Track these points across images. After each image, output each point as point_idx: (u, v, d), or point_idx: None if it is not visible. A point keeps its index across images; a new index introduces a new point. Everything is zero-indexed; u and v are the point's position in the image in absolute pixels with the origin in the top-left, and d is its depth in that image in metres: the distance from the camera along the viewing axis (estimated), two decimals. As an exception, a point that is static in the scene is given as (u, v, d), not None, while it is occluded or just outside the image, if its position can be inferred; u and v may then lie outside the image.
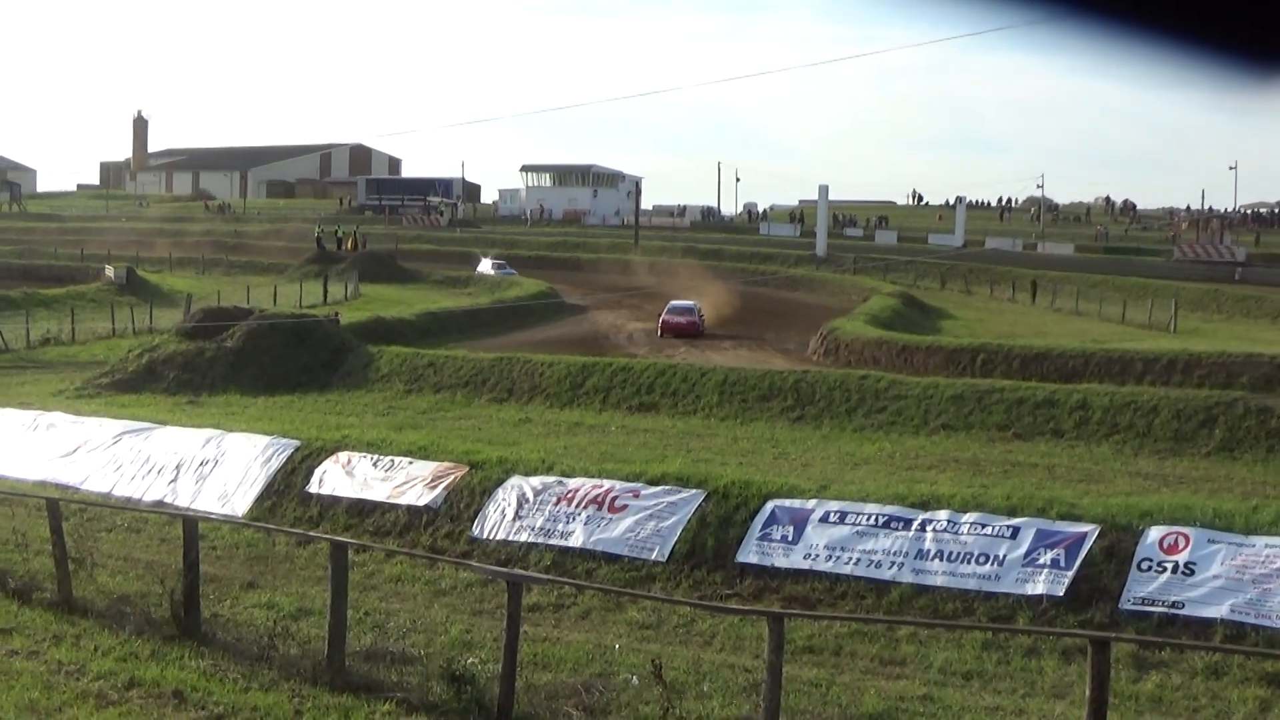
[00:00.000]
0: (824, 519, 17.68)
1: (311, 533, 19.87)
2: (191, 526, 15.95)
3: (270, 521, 21.57)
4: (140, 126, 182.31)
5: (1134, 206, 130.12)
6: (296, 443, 24.04)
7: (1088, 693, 10.51)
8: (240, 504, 22.90)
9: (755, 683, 12.40)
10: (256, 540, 20.56)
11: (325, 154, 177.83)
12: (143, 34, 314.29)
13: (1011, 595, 15.83)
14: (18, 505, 22.13)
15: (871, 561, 16.92)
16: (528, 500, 19.96)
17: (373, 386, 40.48)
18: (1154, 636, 14.35)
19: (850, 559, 17.06)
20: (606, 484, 19.78)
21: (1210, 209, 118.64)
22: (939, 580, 16.36)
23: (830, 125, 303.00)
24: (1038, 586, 15.75)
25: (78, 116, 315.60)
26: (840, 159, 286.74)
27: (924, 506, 17.48)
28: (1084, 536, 16.02)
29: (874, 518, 17.41)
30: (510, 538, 19.59)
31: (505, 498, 20.24)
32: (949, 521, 16.93)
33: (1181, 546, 15.41)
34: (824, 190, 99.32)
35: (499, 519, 19.96)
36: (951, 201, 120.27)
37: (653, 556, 18.27)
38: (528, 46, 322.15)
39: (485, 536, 19.84)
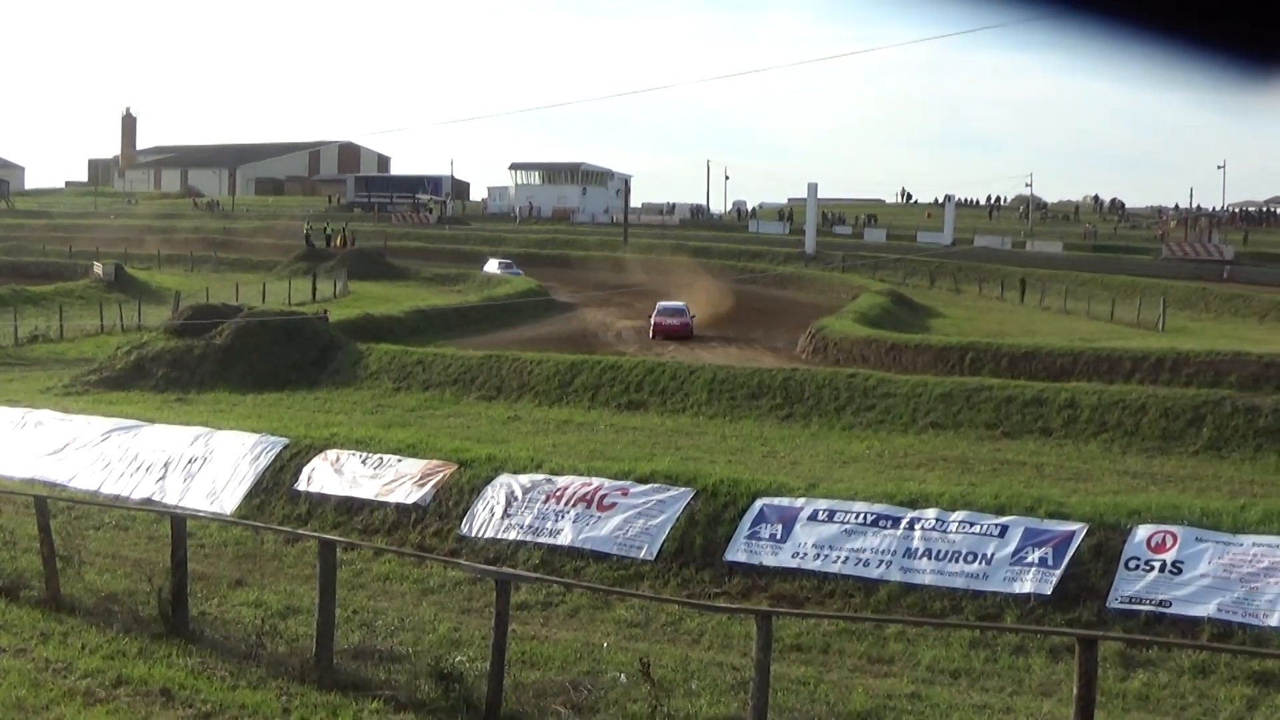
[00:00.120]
0: (812, 517, 17.69)
1: (300, 530, 19.85)
2: (179, 524, 15.93)
3: (259, 519, 21.55)
4: (129, 124, 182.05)
5: (1122, 205, 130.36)
6: (285, 440, 24.01)
7: (1075, 691, 10.53)
8: (229, 502, 22.86)
9: (743, 681, 12.41)
10: (245, 538, 20.55)
11: (314, 151, 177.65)
12: (131, 31, 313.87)
13: (999, 594, 15.86)
14: (5, 503, 22.11)
15: (860, 560, 16.94)
16: (516, 498, 19.95)
17: (361, 384, 40.45)
18: (1141, 635, 14.38)
19: (838, 557, 17.07)
20: (595, 482, 19.78)
21: (1199, 207, 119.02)
22: (927, 579, 16.39)
23: (819, 123, 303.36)
24: (1025, 585, 15.78)
25: (66, 113, 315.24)
26: (829, 157, 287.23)
27: (912, 505, 17.50)
28: (1072, 535, 16.05)
29: (862, 516, 17.43)
30: (499, 536, 19.57)
31: (494, 496, 20.23)
32: (937, 520, 16.95)
33: (1169, 545, 15.45)
34: (813, 188, 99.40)
35: (488, 517, 19.95)
36: (940, 200, 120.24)
37: (641, 555, 18.28)
38: (518, 43, 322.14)
39: (474, 535, 19.83)
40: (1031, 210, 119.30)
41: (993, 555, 16.23)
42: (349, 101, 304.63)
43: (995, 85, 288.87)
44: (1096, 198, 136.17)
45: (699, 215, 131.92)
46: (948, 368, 40.08)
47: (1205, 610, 14.63)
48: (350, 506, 21.68)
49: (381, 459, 22.37)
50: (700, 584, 17.54)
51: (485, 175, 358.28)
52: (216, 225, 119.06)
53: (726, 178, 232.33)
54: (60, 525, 19.02)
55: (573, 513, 19.25)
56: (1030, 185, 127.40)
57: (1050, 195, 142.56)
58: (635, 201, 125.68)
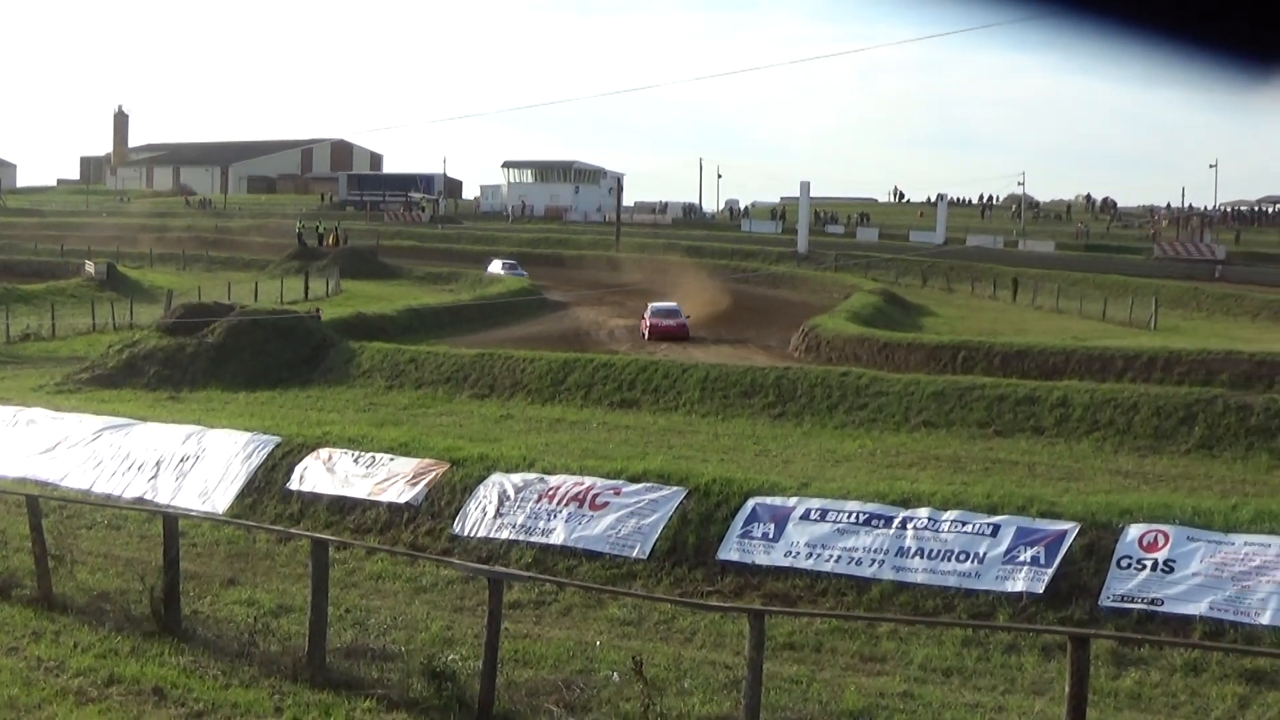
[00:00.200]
0: (805, 516, 17.70)
1: (292, 530, 19.83)
2: (172, 523, 15.92)
3: (251, 518, 21.53)
4: (121, 121, 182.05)
5: (1115, 204, 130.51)
6: (277, 439, 23.99)
7: (1067, 689, 10.54)
8: (221, 501, 22.84)
9: (736, 679, 12.42)
10: (237, 537, 20.54)
11: (307, 149, 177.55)
12: (123, 28, 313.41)
13: (992, 592, 15.87)
14: (-3, 502, 22.06)
15: (852, 559, 16.95)
16: (509, 497, 19.95)
17: (354, 383, 40.43)
18: (1133, 633, 14.40)
19: (831, 556, 17.08)
20: (588, 481, 19.78)
21: (1190, 207, 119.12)
22: (919, 577, 16.40)
23: (812, 122, 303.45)
24: (1018, 584, 15.80)
25: (58, 111, 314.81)
26: (822, 156, 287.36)
27: (905, 504, 17.51)
28: (1064, 534, 16.07)
29: (855, 515, 17.44)
30: (491, 535, 19.57)
31: (486, 495, 20.23)
32: (929, 519, 16.97)
33: (1161, 544, 15.47)
34: (805, 187, 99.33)
35: (480, 516, 19.94)
36: (933, 199, 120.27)
37: (634, 554, 18.28)
38: (511, 41, 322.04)
39: (466, 534, 19.82)
40: (1024, 209, 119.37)
41: (985, 554, 16.24)
42: (342, 99, 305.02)
43: (988, 85, 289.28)
44: (1089, 197, 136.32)
45: (692, 214, 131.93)
46: (940, 367, 40.09)
47: (1197, 609, 14.66)
48: (343, 505, 21.66)
49: (374, 458, 22.36)
50: (693, 583, 17.54)
51: (478, 174, 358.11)
52: (209, 224, 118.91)
53: (719, 176, 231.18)
54: (52, 524, 18.99)
55: (565, 512, 19.25)
56: (1023, 184, 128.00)
57: (1042, 194, 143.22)
58: (628, 200, 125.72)
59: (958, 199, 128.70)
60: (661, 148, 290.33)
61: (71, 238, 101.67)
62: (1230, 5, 4.60)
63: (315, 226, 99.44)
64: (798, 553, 17.31)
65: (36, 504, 17.53)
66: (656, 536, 18.35)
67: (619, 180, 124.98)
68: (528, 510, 19.57)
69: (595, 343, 52.13)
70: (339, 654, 13.92)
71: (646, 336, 52.39)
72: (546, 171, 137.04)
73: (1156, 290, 67.09)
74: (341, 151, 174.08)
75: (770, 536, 17.66)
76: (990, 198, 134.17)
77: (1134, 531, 15.77)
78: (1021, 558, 16.01)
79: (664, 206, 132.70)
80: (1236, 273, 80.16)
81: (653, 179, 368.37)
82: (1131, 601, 15.08)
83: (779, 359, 45.00)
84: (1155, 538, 15.56)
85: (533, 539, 19.15)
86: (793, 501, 18.07)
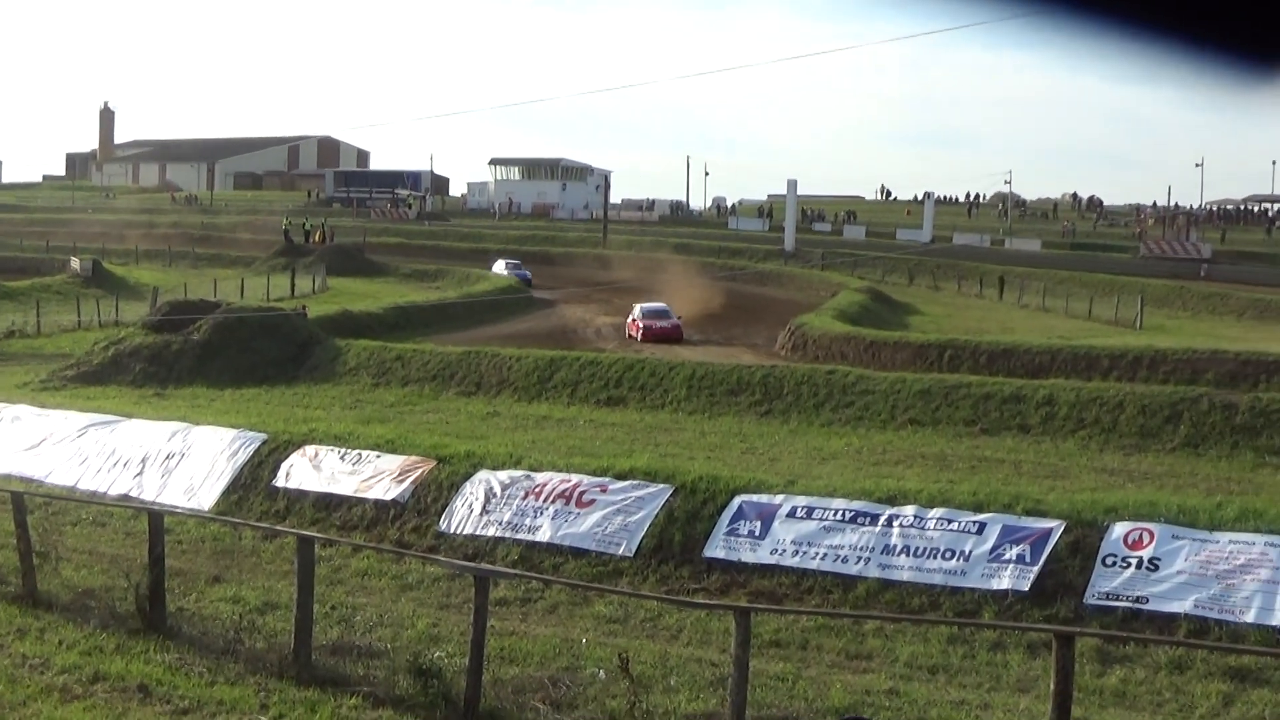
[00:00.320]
0: (791, 514, 17.71)
1: (278, 527, 19.82)
2: (157, 520, 15.88)
3: (237, 515, 21.48)
4: (106, 117, 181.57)
5: (1101, 203, 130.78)
6: (263, 436, 23.95)
7: (1052, 687, 10.56)
8: (206, 498, 22.80)
9: (722, 677, 12.43)
10: (223, 534, 20.50)
11: (293, 146, 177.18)
12: (109, 24, 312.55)
13: (977, 590, 15.90)
14: (-19, 498, 21.98)
15: (838, 556, 16.97)
16: (495, 494, 19.94)
17: (340, 380, 40.40)
18: (1118, 631, 14.42)
19: (817, 554, 17.10)
20: (574, 478, 19.78)
21: (1176, 206, 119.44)
22: (905, 575, 16.42)
23: (799, 120, 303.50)
24: (1003, 581, 15.82)
25: (44, 107, 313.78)
26: (809, 154, 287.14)
27: (891, 502, 17.53)
28: (1049, 532, 16.10)
29: (841, 513, 17.45)
30: (478, 532, 19.56)
31: (473, 492, 20.22)
32: (915, 517, 16.98)
33: (1146, 542, 15.50)
34: (792, 185, 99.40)
35: (466, 513, 19.93)
36: (919, 197, 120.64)
37: (620, 551, 18.28)
38: (498, 38, 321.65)
39: (452, 531, 19.81)
40: (1010, 208, 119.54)
41: (971, 552, 16.27)
42: (329, 96, 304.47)
43: (975, 83, 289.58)
44: (1075, 195, 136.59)
45: (679, 212, 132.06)
46: (926, 365, 40.15)
47: (1182, 607, 14.69)
48: (328, 503, 21.64)
49: (360, 455, 22.33)
50: (679, 580, 17.55)
51: (465, 171, 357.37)
52: (195, 220, 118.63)
53: (706, 174, 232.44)
54: (37, 521, 18.92)
55: (551, 509, 19.24)
56: (1009, 183, 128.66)
57: (1029, 193, 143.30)
58: (615, 198, 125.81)
59: (944, 197, 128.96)
60: (649, 145, 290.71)
61: (57, 234, 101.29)
62: (1226, 4, 4.60)
63: (302, 223, 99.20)
64: (784, 550, 17.32)
65: (21, 501, 17.48)
66: (643, 534, 18.35)
67: (606, 178, 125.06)
68: (514, 507, 19.56)
69: (582, 340, 52.16)
70: (324, 651, 13.90)
71: (639, 338, 51.20)
72: (534, 169, 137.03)
73: (1142, 289, 67.27)
74: (328, 148, 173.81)
75: (756, 534, 17.67)
76: (977, 196, 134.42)
77: (1119, 529, 15.80)
78: (1007, 555, 16.04)
79: (651, 204, 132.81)
80: (1222, 271, 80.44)
81: (640, 176, 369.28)
82: (1116, 599, 15.11)
83: (766, 357, 45.08)
84: (1140, 536, 15.60)
85: (519, 536, 19.14)
86: (779, 499, 18.08)
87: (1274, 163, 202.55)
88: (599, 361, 38.73)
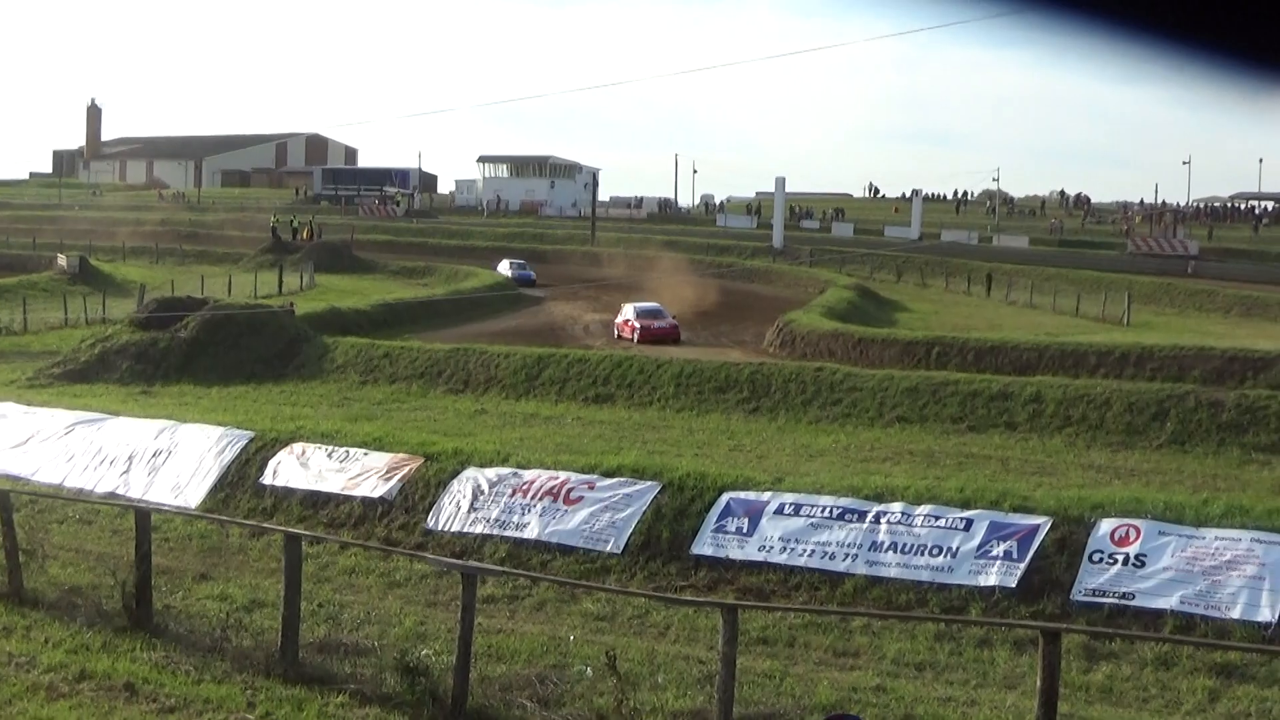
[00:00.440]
0: (779, 511, 17.72)
1: (265, 524, 19.81)
2: (144, 518, 15.87)
3: (224, 513, 21.46)
4: (93, 114, 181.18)
5: (1088, 200, 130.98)
6: (251, 434, 23.92)
7: (1038, 683, 10.59)
8: (193, 495, 22.77)
9: (709, 674, 12.43)
10: (210, 532, 20.47)
11: (281, 143, 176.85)
12: (96, 20, 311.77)
13: (964, 587, 15.92)
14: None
15: (826, 553, 16.97)
16: (483, 492, 19.93)
17: (328, 377, 40.34)
18: (1105, 628, 14.44)
19: (805, 551, 17.11)
20: (562, 476, 19.77)
21: (1164, 203, 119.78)
22: (893, 572, 16.44)
23: (788, 118, 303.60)
24: (990, 578, 15.85)
25: (30, 104, 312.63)
26: (798, 151, 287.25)
27: (878, 498, 17.54)
28: (1036, 529, 16.12)
29: (828, 510, 17.46)
30: (465, 529, 19.55)
31: (460, 489, 20.20)
32: (903, 513, 17.00)
33: (1132, 539, 15.54)
34: (780, 182, 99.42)
35: (454, 511, 19.92)
36: (908, 194, 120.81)
37: (608, 548, 18.28)
38: (486, 35, 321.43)
39: (440, 528, 19.79)
40: (998, 205, 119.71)
41: (958, 548, 16.29)
42: (317, 93, 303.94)
43: (963, 81, 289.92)
44: (1063, 193, 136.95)
45: (667, 209, 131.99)
46: (914, 362, 40.18)
47: (1168, 603, 14.72)
48: (316, 500, 21.61)
49: (347, 452, 22.31)
50: (667, 577, 17.55)
51: (453, 168, 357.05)
52: (183, 218, 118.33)
53: (694, 171, 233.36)
54: (23, 519, 18.93)
55: (539, 506, 19.24)
56: (997, 180, 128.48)
57: (1017, 190, 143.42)
58: (603, 195, 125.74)
59: (933, 194, 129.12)
60: (637, 142, 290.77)
61: (44, 231, 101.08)
62: (1213, 5, 4.60)
63: (289, 221, 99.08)
64: (771, 547, 17.33)
65: (8, 499, 17.44)
66: (631, 531, 18.35)
67: (594, 175, 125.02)
68: (502, 505, 19.56)
69: (570, 338, 52.15)
70: (312, 649, 13.90)
71: (634, 340, 49.55)
72: (522, 166, 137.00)
73: (1129, 286, 67.35)
74: (316, 145, 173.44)
75: (744, 531, 17.67)
76: (965, 193, 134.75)
77: (1106, 526, 15.83)
78: (994, 552, 16.06)
79: (639, 201, 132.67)
80: (1209, 269, 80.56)
81: (628, 174, 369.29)
82: (1103, 596, 15.14)
83: (753, 354, 45.08)
84: (1127, 532, 15.63)
85: (507, 533, 19.14)
86: (767, 496, 18.09)
87: (1260, 161, 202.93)
88: (587, 359, 38.74)
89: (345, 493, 21.36)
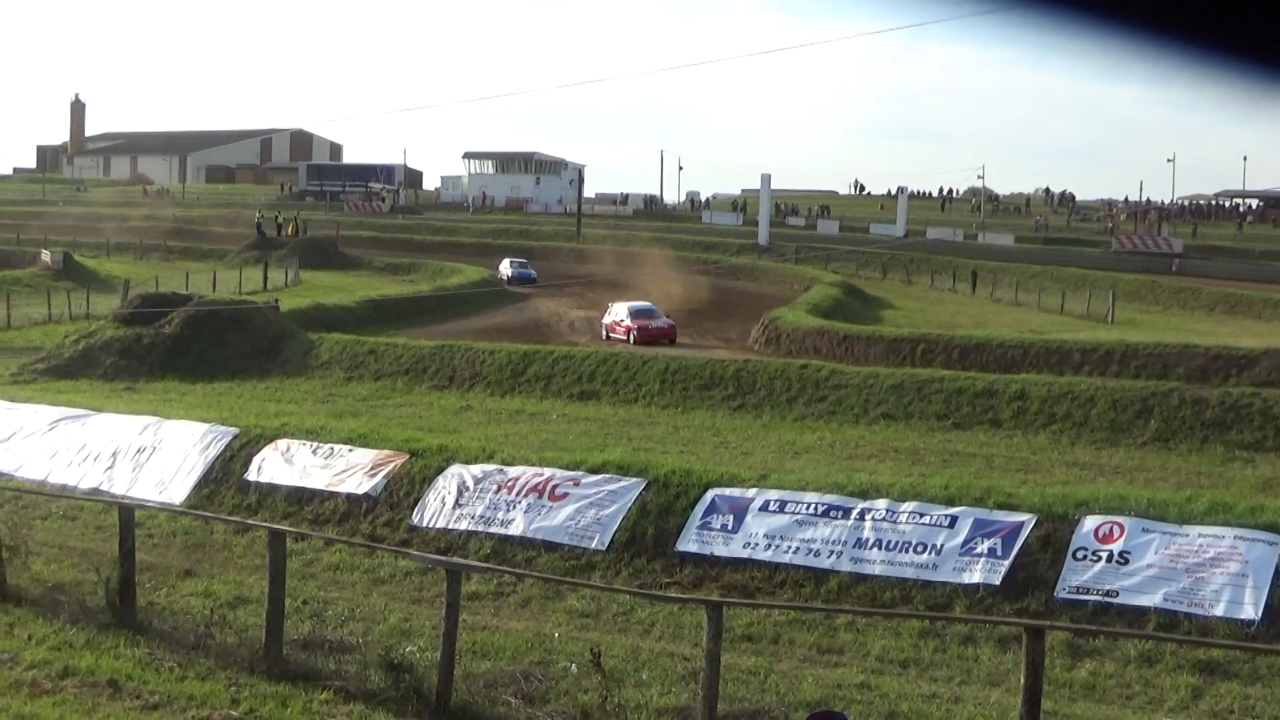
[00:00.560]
0: (764, 508, 17.73)
1: (249, 520, 19.77)
2: (127, 514, 15.84)
3: (208, 509, 21.41)
4: (77, 110, 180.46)
5: (1073, 198, 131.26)
6: (235, 430, 23.88)
7: (1022, 680, 10.61)
8: (178, 492, 22.72)
9: (694, 671, 12.43)
10: (194, 528, 20.42)
11: (266, 139, 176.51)
12: (80, 15, 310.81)
13: (949, 584, 15.94)
14: (-50, 493, 21.87)
15: (810, 550, 16.99)
16: (468, 488, 19.92)
17: (313, 374, 40.27)
18: (1088, 625, 14.49)
19: (789, 548, 17.12)
20: (547, 472, 19.77)
21: (1148, 201, 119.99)
22: (877, 569, 16.45)
23: (773, 114, 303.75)
24: (975, 575, 15.87)
25: (14, 99, 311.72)
26: (783, 149, 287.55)
27: (863, 496, 17.56)
28: (1021, 526, 16.15)
29: (813, 507, 17.48)
30: (450, 526, 19.54)
31: (445, 486, 20.19)
32: (888, 511, 17.02)
33: (1116, 536, 15.57)
34: (766, 179, 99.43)
35: (439, 507, 19.91)
36: (893, 191, 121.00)
37: (593, 545, 18.28)
38: (472, 31, 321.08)
39: (425, 525, 19.78)
40: (983, 202, 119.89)
41: (942, 546, 16.31)
42: (302, 88, 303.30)
43: (948, 78, 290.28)
44: (1048, 190, 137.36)
45: (653, 206, 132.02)
46: (899, 359, 40.20)
47: (1151, 600, 14.76)
48: (301, 496, 21.59)
49: (332, 449, 22.28)
50: (652, 574, 17.56)
51: (439, 164, 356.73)
52: (168, 213, 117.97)
53: (680, 168, 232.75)
54: (6, 515, 18.89)
55: (524, 503, 19.23)
56: (982, 178, 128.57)
57: (1002, 188, 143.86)
58: (589, 192, 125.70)
59: (918, 192, 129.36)
60: (623, 139, 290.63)
61: (28, 227, 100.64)
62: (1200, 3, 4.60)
63: (274, 216, 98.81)
64: (756, 544, 17.35)
65: (-10, 495, 17.41)
66: (616, 528, 18.35)
67: (580, 171, 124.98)
68: (487, 501, 19.55)
69: (556, 334, 52.11)
70: (296, 645, 13.87)
71: (631, 340, 47.78)
72: (507, 162, 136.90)
73: (1114, 283, 67.48)
74: (301, 141, 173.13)
75: (729, 528, 17.68)
76: (950, 191, 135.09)
77: (1090, 523, 15.87)
78: (979, 549, 16.09)
79: (625, 198, 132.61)
80: (1193, 266, 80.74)
81: (614, 170, 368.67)
82: (1087, 593, 15.18)
83: (739, 351, 45.05)
84: (1111, 529, 15.67)
85: (492, 530, 19.14)
86: (752, 493, 18.10)
87: (1245, 158, 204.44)
88: (572, 356, 38.74)
89: (330, 489, 21.34)
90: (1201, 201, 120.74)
